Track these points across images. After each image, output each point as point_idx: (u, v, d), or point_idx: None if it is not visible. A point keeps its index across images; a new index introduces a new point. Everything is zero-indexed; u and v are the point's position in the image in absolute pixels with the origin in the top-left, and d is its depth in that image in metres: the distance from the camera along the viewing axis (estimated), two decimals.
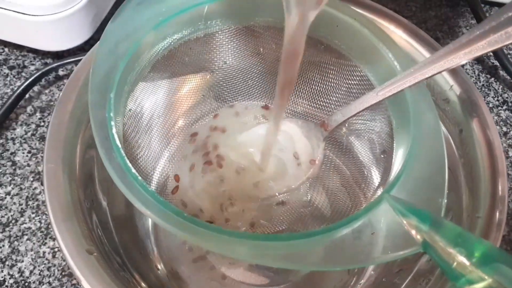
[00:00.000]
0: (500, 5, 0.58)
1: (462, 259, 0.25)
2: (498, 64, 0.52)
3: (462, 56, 0.29)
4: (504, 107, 0.51)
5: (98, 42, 0.34)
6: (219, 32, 0.39)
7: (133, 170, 0.28)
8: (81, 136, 0.33)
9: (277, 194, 0.35)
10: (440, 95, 0.37)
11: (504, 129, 0.49)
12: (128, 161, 0.28)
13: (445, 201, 0.28)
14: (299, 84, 0.40)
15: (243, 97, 0.43)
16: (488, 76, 0.53)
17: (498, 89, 0.52)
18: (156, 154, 0.38)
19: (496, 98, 0.51)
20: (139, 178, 0.28)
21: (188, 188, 0.36)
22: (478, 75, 0.53)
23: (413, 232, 0.27)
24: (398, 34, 0.38)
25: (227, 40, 0.40)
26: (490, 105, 0.51)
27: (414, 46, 0.38)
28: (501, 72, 0.53)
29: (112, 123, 0.30)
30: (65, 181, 0.30)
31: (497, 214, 0.30)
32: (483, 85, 0.52)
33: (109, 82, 0.31)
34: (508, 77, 0.52)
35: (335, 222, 0.28)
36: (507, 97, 0.52)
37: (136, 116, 0.35)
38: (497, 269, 0.25)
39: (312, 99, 0.41)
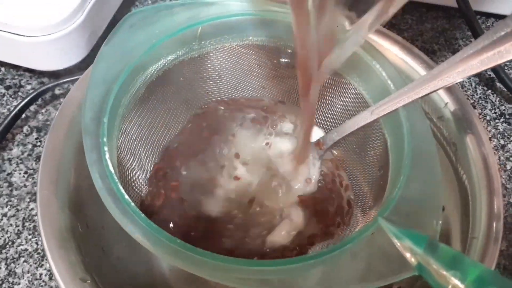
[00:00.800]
0: (495, 16, 0.58)
1: (456, 282, 0.25)
2: (494, 76, 0.52)
3: (456, 75, 0.30)
4: (502, 119, 0.51)
5: (92, 65, 0.34)
6: (213, 52, 0.39)
7: (126, 197, 0.28)
8: (75, 160, 0.33)
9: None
10: (435, 112, 0.36)
11: (502, 142, 0.49)
12: (121, 187, 0.28)
13: (440, 223, 0.28)
14: (296, 103, 0.40)
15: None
16: (485, 88, 0.53)
17: (495, 101, 0.52)
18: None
19: (493, 111, 0.51)
20: (132, 204, 0.28)
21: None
22: (475, 87, 0.53)
23: (408, 255, 0.27)
24: (393, 52, 0.38)
25: (221, 59, 0.40)
26: (488, 117, 0.51)
27: (409, 63, 0.38)
28: (498, 84, 0.53)
29: (106, 148, 0.30)
30: (59, 207, 0.30)
31: (493, 235, 0.30)
32: (480, 97, 0.52)
33: (102, 106, 0.31)
34: (505, 90, 0.52)
35: (330, 244, 0.28)
36: (504, 110, 0.51)
37: (131, 138, 0.35)
38: None
39: None
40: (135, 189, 0.35)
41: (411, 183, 0.30)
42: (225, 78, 0.41)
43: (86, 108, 0.31)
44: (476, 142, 0.34)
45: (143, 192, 0.36)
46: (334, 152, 0.38)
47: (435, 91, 0.30)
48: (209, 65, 0.40)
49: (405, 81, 0.34)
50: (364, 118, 0.33)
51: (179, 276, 0.36)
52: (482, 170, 0.33)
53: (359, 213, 0.34)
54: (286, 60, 0.40)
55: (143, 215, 0.28)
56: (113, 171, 0.29)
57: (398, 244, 0.28)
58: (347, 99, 0.38)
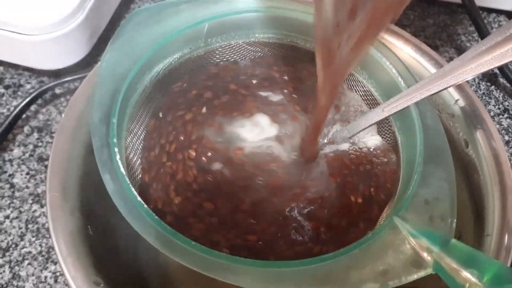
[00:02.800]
0: (498, 11, 0.58)
1: (474, 280, 0.25)
2: (498, 72, 0.52)
3: (469, 72, 0.29)
4: (506, 115, 0.51)
5: (98, 64, 0.33)
6: (219, 49, 0.39)
7: (139, 198, 0.27)
8: (83, 161, 0.32)
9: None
10: (445, 110, 0.36)
11: (506, 137, 0.49)
12: (133, 189, 0.28)
13: (455, 221, 0.28)
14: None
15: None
16: (489, 84, 0.53)
17: (499, 97, 0.52)
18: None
19: (497, 107, 0.51)
20: (145, 206, 0.27)
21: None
22: (478, 83, 0.53)
23: (424, 254, 0.27)
24: (401, 48, 0.38)
25: (227, 56, 0.39)
26: (492, 113, 0.51)
27: (420, 62, 0.37)
28: (501, 80, 0.53)
29: (116, 149, 0.29)
30: (68, 210, 0.29)
31: (508, 232, 0.30)
32: (483, 93, 0.52)
33: (111, 106, 0.31)
34: (509, 85, 0.52)
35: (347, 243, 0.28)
36: (508, 105, 0.51)
37: (138, 138, 0.35)
38: None
39: None
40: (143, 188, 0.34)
41: (425, 181, 0.30)
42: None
43: (94, 108, 0.30)
44: (487, 139, 0.34)
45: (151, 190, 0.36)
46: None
47: (447, 88, 0.30)
48: (215, 62, 0.39)
49: (415, 78, 0.34)
50: (375, 116, 0.33)
51: (190, 276, 0.36)
52: (494, 167, 0.33)
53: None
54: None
55: (156, 217, 0.27)
56: (124, 173, 0.28)
57: (414, 243, 0.27)
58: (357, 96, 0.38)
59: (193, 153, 0.34)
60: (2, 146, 0.46)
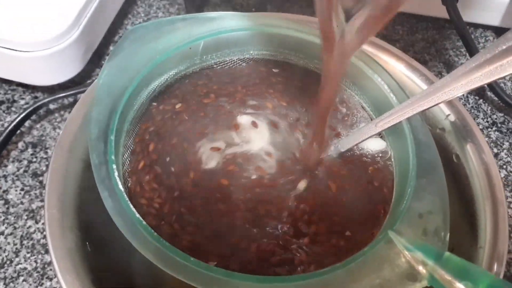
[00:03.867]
0: (484, 27, 0.60)
1: None
2: (486, 86, 0.53)
3: (459, 88, 0.30)
4: (494, 128, 0.52)
5: (96, 81, 0.33)
6: (214, 66, 0.39)
7: (137, 215, 0.28)
8: (80, 178, 0.33)
9: None
10: (436, 124, 0.37)
11: (495, 150, 0.50)
12: (131, 205, 0.28)
13: (448, 234, 0.29)
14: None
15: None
16: (477, 98, 0.54)
17: (487, 110, 0.53)
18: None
19: (485, 120, 0.52)
20: (144, 222, 0.28)
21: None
22: (467, 97, 0.54)
23: (419, 267, 0.27)
24: (397, 68, 0.39)
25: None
26: (480, 126, 0.52)
27: (411, 78, 0.38)
28: (489, 94, 0.54)
29: (114, 166, 0.29)
30: (67, 227, 0.29)
31: (500, 244, 0.30)
32: (472, 107, 0.53)
33: (108, 123, 0.31)
34: (496, 99, 0.53)
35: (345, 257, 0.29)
36: (496, 118, 0.52)
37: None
38: None
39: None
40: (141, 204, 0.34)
41: (418, 195, 0.30)
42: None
43: (92, 125, 0.31)
44: (478, 153, 0.35)
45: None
46: None
47: (438, 104, 0.31)
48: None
49: (406, 94, 0.35)
50: (368, 131, 0.34)
51: None
52: (485, 180, 0.33)
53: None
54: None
55: (155, 233, 0.27)
56: (122, 190, 0.29)
57: (409, 256, 0.28)
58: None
59: (190, 170, 0.34)
60: None
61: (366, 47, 0.38)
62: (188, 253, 0.27)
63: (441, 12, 0.54)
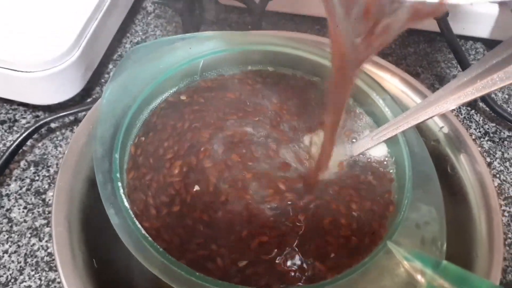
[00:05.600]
0: (475, 39, 0.61)
1: None
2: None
3: (452, 102, 0.31)
4: (486, 138, 0.53)
5: (99, 101, 0.34)
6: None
7: (143, 231, 0.29)
8: (86, 195, 0.33)
9: None
10: (430, 136, 0.38)
11: (488, 159, 0.51)
12: (137, 222, 0.29)
13: (445, 243, 0.29)
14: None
15: None
16: (469, 108, 0.55)
17: (479, 120, 0.54)
18: None
19: (478, 130, 0.54)
20: (149, 238, 0.28)
21: None
22: (459, 108, 0.55)
23: (418, 276, 0.28)
24: (392, 83, 0.40)
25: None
26: (473, 136, 0.53)
27: (407, 94, 0.40)
28: (481, 104, 0.55)
29: (119, 184, 0.30)
30: (75, 244, 0.30)
31: (496, 252, 0.31)
32: (464, 117, 0.54)
33: (113, 142, 0.32)
34: (488, 109, 0.54)
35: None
36: (488, 128, 0.54)
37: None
38: None
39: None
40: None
41: (415, 206, 0.31)
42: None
43: (96, 144, 0.32)
44: (472, 163, 0.36)
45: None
46: None
47: (432, 117, 0.32)
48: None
49: (401, 108, 0.36)
50: (365, 144, 0.35)
51: None
52: (479, 189, 0.35)
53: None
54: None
55: (161, 249, 0.28)
56: (128, 206, 0.29)
57: (408, 266, 0.29)
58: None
59: (193, 186, 0.34)
60: None
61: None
62: (194, 267, 0.28)
63: (432, 25, 0.55)
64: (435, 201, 0.31)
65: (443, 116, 0.38)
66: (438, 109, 0.32)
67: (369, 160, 0.35)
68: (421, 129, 0.38)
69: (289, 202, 0.33)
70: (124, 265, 0.34)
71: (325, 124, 0.34)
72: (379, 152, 0.36)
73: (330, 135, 0.34)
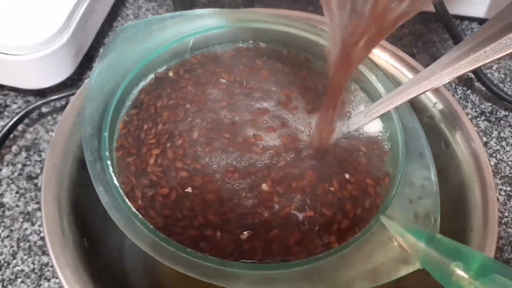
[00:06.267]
0: (470, 19, 0.61)
1: (460, 272, 0.26)
2: (473, 76, 0.54)
3: (445, 76, 0.31)
4: (483, 117, 0.53)
5: (87, 80, 0.34)
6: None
7: (133, 209, 0.28)
8: (75, 175, 0.33)
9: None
10: (424, 113, 0.38)
11: (484, 139, 0.51)
12: (127, 200, 0.28)
13: (439, 217, 0.29)
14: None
15: None
16: (465, 88, 0.55)
17: (475, 100, 0.54)
18: None
19: (474, 110, 0.53)
20: (140, 216, 0.28)
21: None
22: (455, 88, 0.55)
23: (411, 250, 0.28)
24: (383, 58, 0.39)
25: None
26: (469, 116, 0.52)
27: (398, 69, 0.39)
28: (477, 84, 0.55)
29: (108, 162, 0.30)
30: (64, 223, 0.29)
31: (490, 225, 0.31)
32: (460, 97, 0.54)
33: (102, 120, 0.32)
34: (484, 88, 0.54)
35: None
36: (484, 108, 0.53)
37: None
38: (495, 279, 0.26)
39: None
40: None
41: (408, 181, 0.31)
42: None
43: (85, 123, 0.31)
44: (466, 139, 0.35)
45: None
46: None
47: (425, 91, 0.31)
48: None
49: (394, 83, 0.35)
50: (358, 121, 0.34)
51: (184, 282, 0.36)
52: (474, 165, 0.34)
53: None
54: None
55: (151, 226, 0.28)
56: (117, 184, 0.29)
57: (401, 240, 0.29)
58: None
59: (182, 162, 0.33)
60: None
61: None
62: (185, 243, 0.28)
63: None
64: (428, 176, 0.31)
65: (437, 93, 0.37)
66: (431, 83, 0.31)
67: (362, 136, 0.35)
68: (415, 105, 0.38)
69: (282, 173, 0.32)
70: (115, 244, 0.34)
71: (323, 105, 0.34)
72: (374, 128, 0.36)
73: (330, 113, 0.34)
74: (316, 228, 0.30)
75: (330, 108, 0.34)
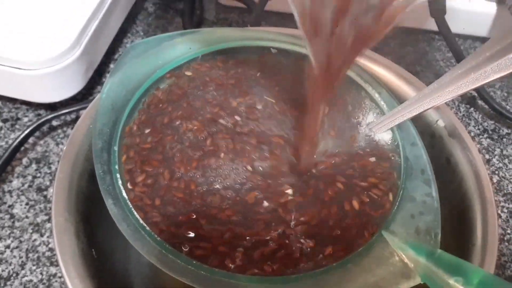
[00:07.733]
0: (473, 37, 0.62)
1: (460, 287, 0.27)
2: (476, 94, 0.55)
3: (446, 94, 0.31)
4: (485, 135, 0.53)
5: (98, 95, 0.35)
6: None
7: (141, 221, 0.29)
8: (85, 187, 0.34)
9: None
10: (426, 130, 0.39)
11: (487, 156, 0.52)
12: (135, 212, 0.29)
13: (440, 233, 0.30)
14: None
15: None
16: (468, 106, 0.56)
17: (478, 118, 0.55)
18: None
19: (476, 127, 0.54)
20: (147, 228, 0.29)
21: None
22: (458, 105, 0.56)
23: (413, 265, 0.29)
24: (386, 76, 0.40)
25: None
26: (472, 134, 0.53)
27: (401, 87, 0.40)
28: (480, 102, 0.55)
29: (118, 175, 0.31)
30: (74, 234, 0.30)
31: (490, 241, 0.32)
32: (463, 115, 0.55)
33: (112, 135, 0.32)
34: (487, 107, 0.54)
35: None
36: (487, 126, 0.54)
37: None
38: None
39: None
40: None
41: (410, 196, 0.32)
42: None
43: (96, 137, 0.32)
44: (467, 156, 0.36)
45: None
46: None
47: (427, 109, 0.32)
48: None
49: (396, 101, 0.36)
50: (360, 138, 0.35)
51: None
52: (474, 181, 0.35)
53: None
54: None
55: (158, 238, 0.29)
56: (126, 197, 0.30)
57: (402, 255, 0.29)
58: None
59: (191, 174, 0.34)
60: (2, 177, 0.47)
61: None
62: (191, 255, 0.28)
63: (431, 24, 0.56)
64: (430, 192, 0.32)
65: (439, 110, 0.38)
66: (433, 102, 0.32)
67: (363, 152, 0.35)
68: (417, 122, 0.39)
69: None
70: (122, 255, 0.35)
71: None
72: (377, 143, 0.36)
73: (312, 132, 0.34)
74: (318, 242, 0.31)
75: (312, 126, 0.34)
